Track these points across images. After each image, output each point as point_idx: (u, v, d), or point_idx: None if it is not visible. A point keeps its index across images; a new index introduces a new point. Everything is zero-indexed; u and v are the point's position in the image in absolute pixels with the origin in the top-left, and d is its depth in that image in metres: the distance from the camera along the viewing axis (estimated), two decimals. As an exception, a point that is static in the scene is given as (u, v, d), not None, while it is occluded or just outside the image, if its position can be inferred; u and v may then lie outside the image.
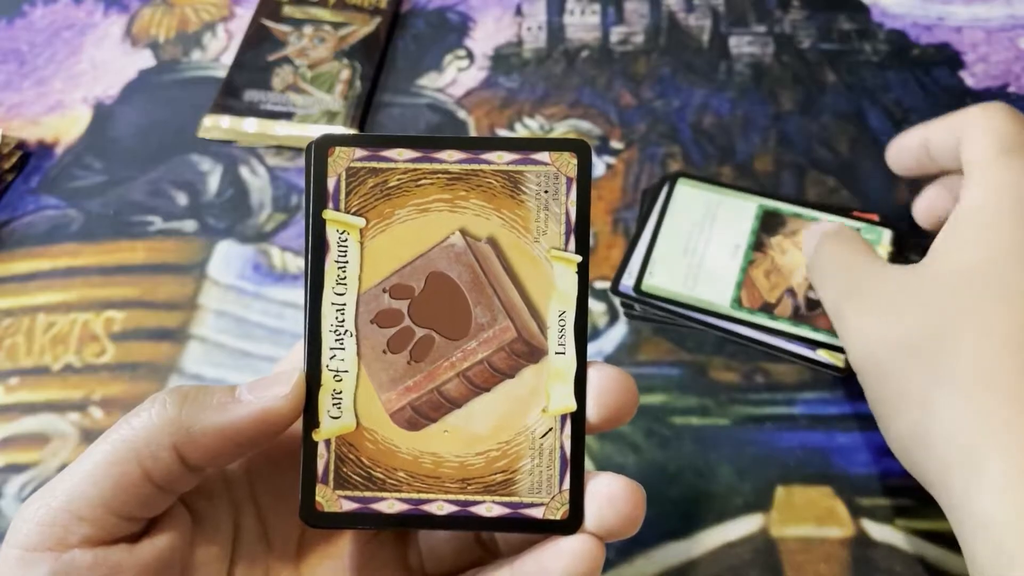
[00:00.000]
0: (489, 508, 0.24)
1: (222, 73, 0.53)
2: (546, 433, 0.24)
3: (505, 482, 0.24)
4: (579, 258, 0.24)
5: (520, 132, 0.50)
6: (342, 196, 0.24)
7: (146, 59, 0.55)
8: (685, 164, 0.48)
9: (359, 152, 0.24)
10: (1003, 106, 0.32)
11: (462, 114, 0.51)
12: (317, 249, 0.24)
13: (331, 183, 0.24)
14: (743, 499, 0.36)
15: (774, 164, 0.47)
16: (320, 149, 0.24)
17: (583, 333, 0.24)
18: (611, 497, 0.23)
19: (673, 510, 0.36)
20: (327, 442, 0.24)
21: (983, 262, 0.29)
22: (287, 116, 0.51)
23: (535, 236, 0.24)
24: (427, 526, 0.24)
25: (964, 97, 0.49)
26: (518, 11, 0.57)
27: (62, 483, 0.22)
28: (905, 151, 0.37)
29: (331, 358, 0.24)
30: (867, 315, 0.31)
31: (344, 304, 0.24)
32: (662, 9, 0.56)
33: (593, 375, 0.24)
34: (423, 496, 0.24)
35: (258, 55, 0.54)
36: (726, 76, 0.52)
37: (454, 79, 0.53)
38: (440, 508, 0.24)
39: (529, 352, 0.24)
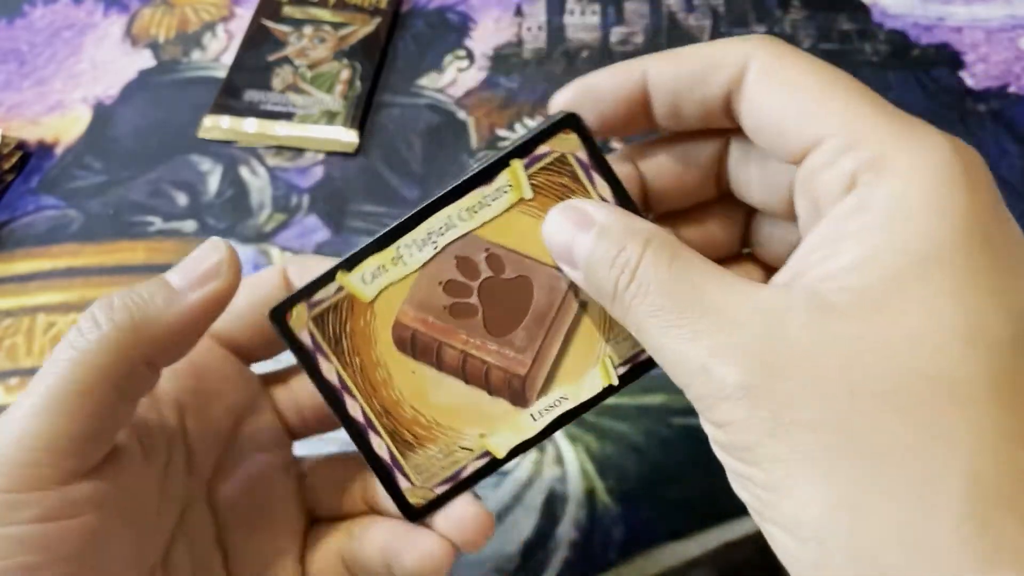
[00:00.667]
0: (380, 447, 0.25)
1: (222, 73, 0.53)
2: (465, 448, 0.25)
3: (408, 443, 0.25)
4: (616, 383, 0.25)
5: (520, 133, 0.50)
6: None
7: (146, 59, 0.55)
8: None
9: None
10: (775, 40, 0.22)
11: (462, 114, 0.51)
12: (479, 177, 0.24)
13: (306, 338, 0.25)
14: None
15: (774, 164, 0.47)
16: (276, 315, 0.25)
17: (561, 423, 0.25)
18: (461, 519, 0.25)
19: (673, 510, 0.36)
20: (327, 314, 0.25)
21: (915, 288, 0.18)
22: (287, 116, 0.51)
23: (606, 335, 0.25)
24: (339, 412, 0.25)
25: (964, 97, 0.50)
26: (518, 11, 0.57)
27: (26, 421, 0.20)
28: (604, 94, 0.24)
29: (406, 245, 0.25)
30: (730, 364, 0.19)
31: (454, 226, 0.25)
32: (662, 9, 0.56)
33: (458, 507, 0.25)
34: (356, 391, 0.25)
35: (258, 55, 0.54)
36: (726, 76, 0.52)
37: (454, 79, 0.53)
38: (355, 410, 0.25)
39: (517, 394, 0.25)
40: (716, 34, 0.54)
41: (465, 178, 0.24)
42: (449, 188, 0.25)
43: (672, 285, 0.20)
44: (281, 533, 0.27)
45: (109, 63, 0.55)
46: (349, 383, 0.25)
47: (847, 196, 0.19)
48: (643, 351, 0.25)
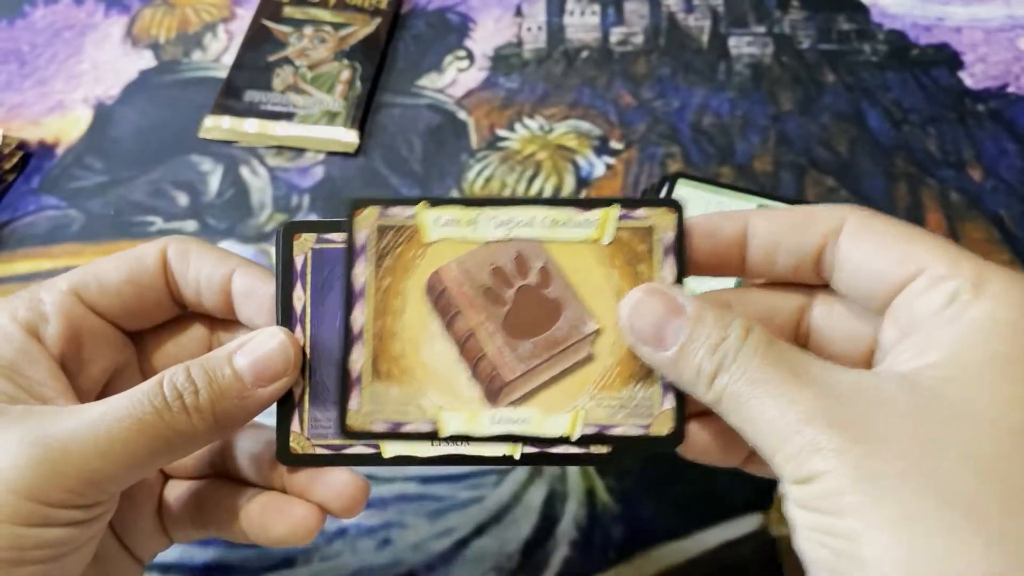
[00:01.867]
0: (356, 361, 0.27)
1: (223, 74, 0.54)
2: (420, 407, 0.26)
3: (380, 372, 0.26)
4: (575, 438, 0.26)
5: (520, 133, 0.50)
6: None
7: (147, 59, 0.55)
8: (685, 164, 0.48)
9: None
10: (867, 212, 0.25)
11: (462, 114, 0.51)
12: (581, 202, 0.26)
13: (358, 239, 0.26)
14: (743, 498, 0.36)
15: (773, 164, 0.47)
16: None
17: (509, 440, 0.26)
18: (338, 484, 0.27)
19: (673, 509, 0.36)
20: None
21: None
22: (287, 117, 0.51)
23: (594, 394, 0.26)
24: (345, 311, 0.26)
25: (963, 97, 0.50)
26: (518, 12, 0.57)
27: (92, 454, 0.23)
28: (710, 227, 0.26)
29: (488, 217, 0.26)
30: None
31: (532, 227, 0.26)
32: (662, 10, 0.56)
33: (335, 474, 0.27)
34: (371, 303, 0.26)
35: (258, 56, 0.54)
36: (725, 76, 0.52)
37: (454, 79, 0.53)
38: (358, 318, 0.26)
39: (492, 392, 0.26)
40: (715, 34, 0.54)
41: (572, 198, 0.27)
42: (555, 198, 0.26)
43: (773, 363, 0.22)
44: (140, 488, 0.29)
45: (110, 63, 0.55)
46: (369, 293, 0.26)
47: (943, 311, 0.22)
48: (615, 425, 0.26)
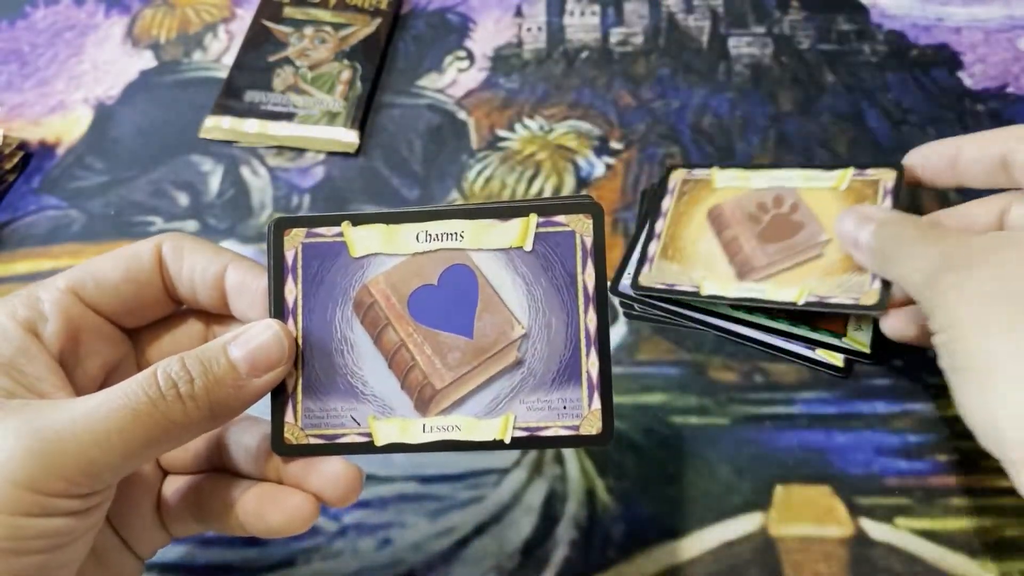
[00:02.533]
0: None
1: (223, 74, 0.54)
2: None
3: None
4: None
5: (520, 133, 0.50)
6: None
7: (147, 60, 0.56)
8: (685, 165, 0.48)
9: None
10: None
11: (462, 115, 0.51)
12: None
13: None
14: (742, 498, 0.36)
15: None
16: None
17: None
18: (333, 474, 0.27)
19: (673, 509, 0.36)
20: None
21: None
22: (288, 117, 0.51)
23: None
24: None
25: (963, 98, 0.50)
26: (518, 12, 0.57)
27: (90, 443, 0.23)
28: (934, 158, 0.37)
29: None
30: (986, 277, 0.28)
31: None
32: (661, 10, 0.56)
33: (331, 464, 0.28)
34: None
35: (259, 56, 0.54)
36: (725, 77, 0.52)
37: (454, 80, 0.53)
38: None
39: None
40: (715, 34, 0.54)
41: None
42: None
43: (931, 238, 0.32)
44: (138, 484, 0.30)
45: (110, 64, 0.55)
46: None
47: None
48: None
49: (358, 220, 0.27)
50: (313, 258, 0.28)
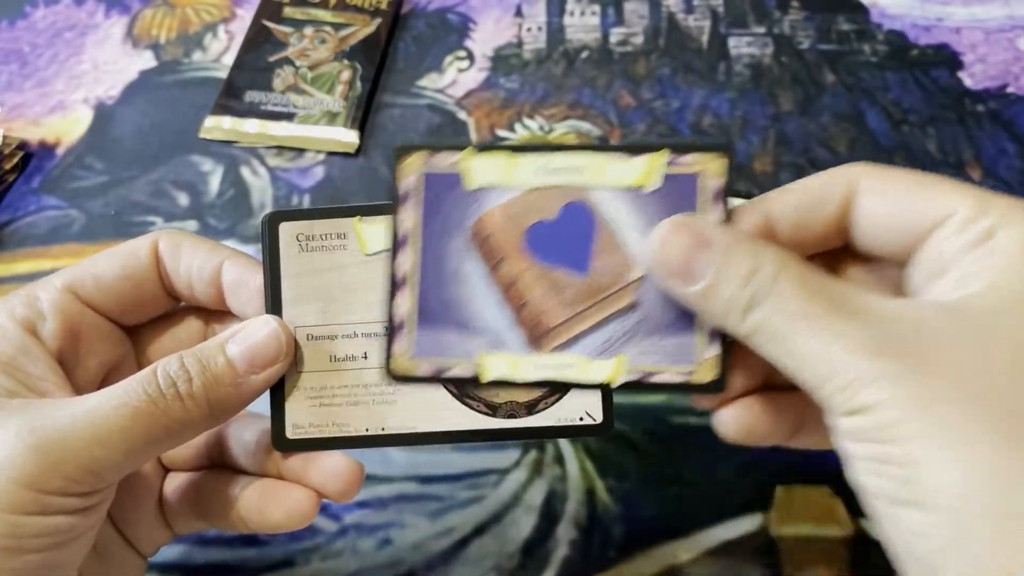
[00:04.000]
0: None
1: (223, 74, 0.54)
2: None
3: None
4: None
5: (520, 133, 0.50)
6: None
7: (147, 60, 0.56)
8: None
9: None
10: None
11: (462, 115, 0.51)
12: (626, 148, 0.26)
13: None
14: (742, 498, 0.36)
15: (773, 164, 0.48)
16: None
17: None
18: (334, 469, 0.27)
19: (673, 509, 0.36)
20: None
21: None
22: (288, 117, 0.51)
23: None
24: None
25: (963, 98, 0.50)
26: (518, 12, 0.57)
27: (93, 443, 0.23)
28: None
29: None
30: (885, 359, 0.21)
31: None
32: (662, 10, 0.56)
33: (331, 459, 0.28)
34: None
35: (259, 56, 0.54)
36: (725, 77, 0.52)
37: (454, 80, 0.53)
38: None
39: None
40: (715, 34, 0.54)
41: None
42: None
43: (812, 294, 0.22)
44: (140, 482, 0.30)
45: (110, 64, 0.55)
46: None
47: (976, 248, 0.22)
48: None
49: (482, 148, 0.26)
50: (431, 187, 0.26)
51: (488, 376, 0.26)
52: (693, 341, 0.26)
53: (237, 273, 0.28)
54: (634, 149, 0.26)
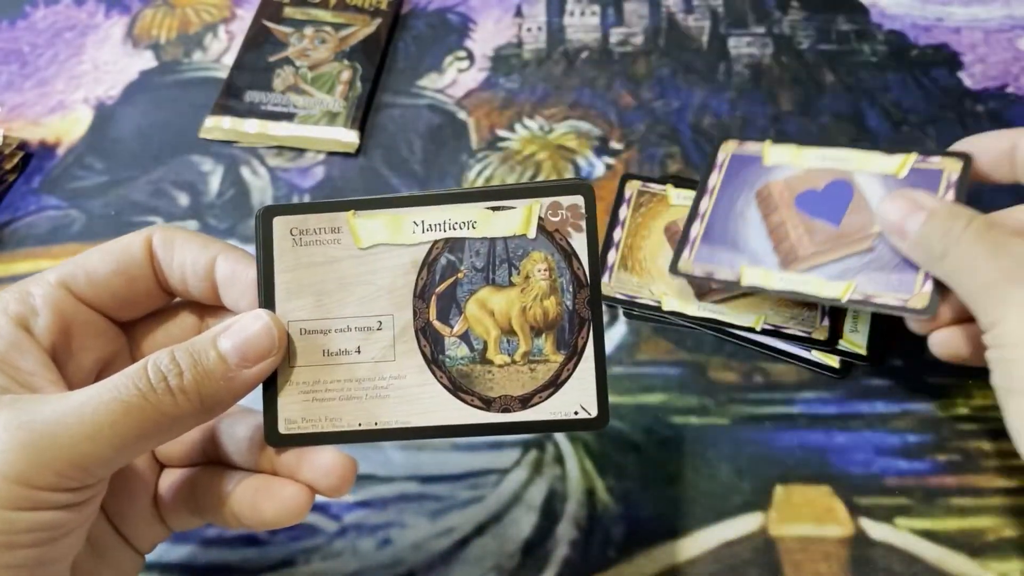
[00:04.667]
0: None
1: (223, 74, 0.54)
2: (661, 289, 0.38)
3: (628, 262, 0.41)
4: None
5: (520, 133, 0.50)
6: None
7: (147, 60, 0.56)
8: (684, 165, 0.48)
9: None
10: None
11: (462, 115, 0.51)
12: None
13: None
14: (742, 498, 0.36)
15: (773, 164, 0.47)
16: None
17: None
18: (327, 465, 0.27)
19: (673, 509, 0.36)
20: None
21: None
22: (288, 117, 0.51)
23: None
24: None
25: (963, 98, 0.50)
26: (518, 12, 0.57)
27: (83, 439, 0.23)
28: (988, 151, 0.35)
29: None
30: None
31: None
32: (661, 10, 0.56)
33: (323, 454, 0.27)
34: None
35: (259, 56, 0.54)
36: (725, 77, 0.52)
37: (454, 80, 0.53)
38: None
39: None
40: (715, 34, 0.54)
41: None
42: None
43: (982, 241, 0.30)
44: (134, 478, 0.30)
45: (110, 64, 0.55)
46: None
47: None
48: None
49: (776, 140, 0.39)
50: (736, 163, 0.39)
51: (746, 281, 0.36)
52: (913, 278, 0.33)
53: (230, 268, 0.28)
54: (892, 150, 0.37)
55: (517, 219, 0.28)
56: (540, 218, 0.28)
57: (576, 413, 0.27)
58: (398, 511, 0.37)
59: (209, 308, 0.30)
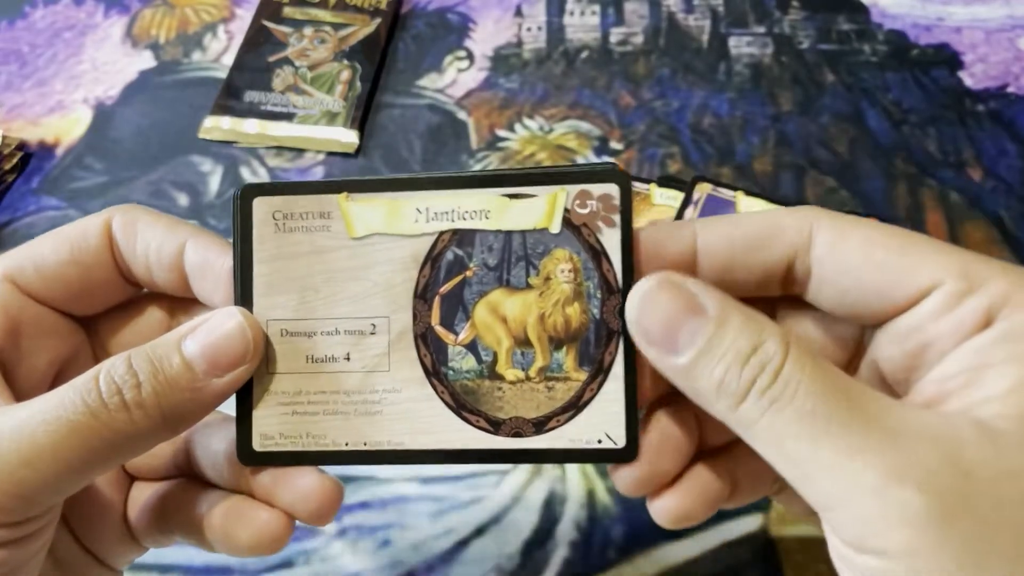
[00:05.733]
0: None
1: (222, 74, 0.54)
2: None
3: None
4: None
5: (520, 133, 0.50)
6: None
7: (147, 60, 0.55)
8: (684, 165, 0.48)
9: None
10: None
11: (462, 115, 0.51)
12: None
13: None
14: (742, 499, 0.36)
15: (773, 165, 0.47)
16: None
17: None
18: (306, 490, 0.24)
19: (673, 510, 0.36)
20: None
21: None
22: (288, 117, 0.51)
23: None
24: None
25: (963, 98, 0.50)
26: (518, 12, 0.57)
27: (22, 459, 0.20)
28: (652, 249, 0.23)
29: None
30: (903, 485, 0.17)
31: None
32: (662, 10, 0.56)
33: (303, 477, 0.24)
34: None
35: (258, 56, 0.54)
36: (725, 77, 0.52)
37: (454, 80, 0.53)
38: None
39: None
40: (715, 34, 0.54)
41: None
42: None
43: (825, 391, 0.18)
44: (99, 493, 0.27)
45: (110, 64, 0.55)
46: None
47: (985, 331, 0.19)
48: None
49: (748, 192, 0.44)
50: (711, 203, 0.41)
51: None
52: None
53: (201, 255, 0.24)
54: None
55: (538, 210, 0.24)
56: (566, 209, 0.23)
57: (599, 442, 0.23)
58: (398, 511, 0.37)
59: (180, 301, 0.26)
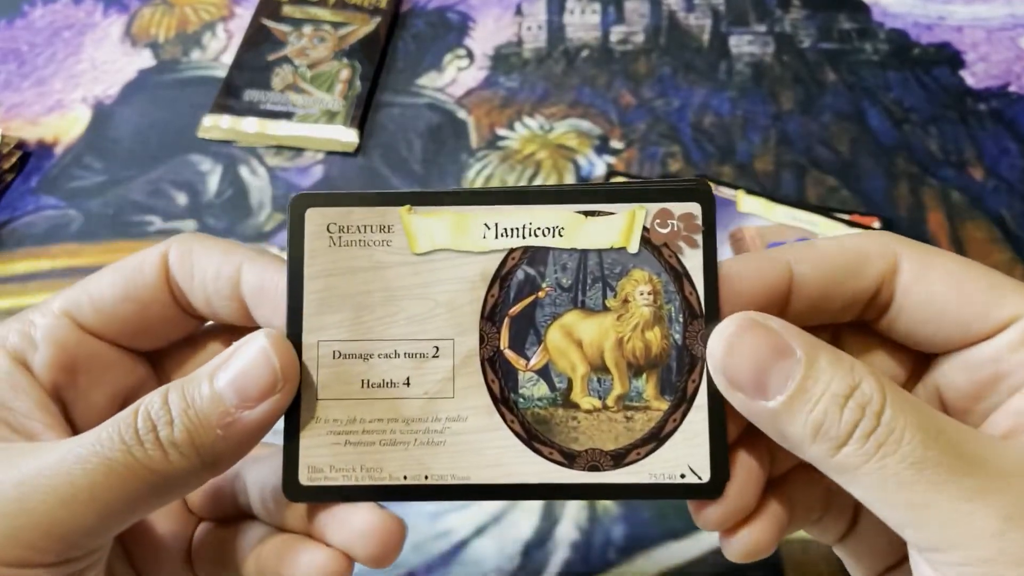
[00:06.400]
0: None
1: (222, 73, 0.53)
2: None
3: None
4: None
5: (520, 132, 0.50)
6: None
7: (146, 59, 0.55)
8: (685, 164, 0.47)
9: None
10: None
11: (462, 114, 0.51)
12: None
13: None
14: (743, 499, 0.36)
15: (774, 164, 0.47)
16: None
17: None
18: (362, 528, 0.22)
19: (673, 510, 0.36)
20: None
21: None
22: (287, 116, 0.51)
23: None
24: None
25: (965, 97, 0.49)
26: (518, 11, 0.57)
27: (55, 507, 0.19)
28: (746, 284, 0.22)
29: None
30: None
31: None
32: (662, 9, 0.56)
33: (360, 514, 0.22)
34: None
35: (258, 55, 0.54)
36: (726, 76, 0.52)
37: (454, 79, 0.53)
38: None
39: None
40: (716, 33, 0.54)
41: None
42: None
43: (928, 433, 0.18)
44: (164, 533, 0.25)
45: (109, 63, 0.55)
46: None
47: None
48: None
49: (750, 192, 0.44)
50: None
51: None
52: None
53: (258, 278, 0.23)
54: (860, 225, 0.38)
55: (616, 228, 0.22)
56: (645, 228, 0.22)
57: (683, 476, 0.22)
58: (398, 512, 0.37)
59: (245, 332, 0.25)
